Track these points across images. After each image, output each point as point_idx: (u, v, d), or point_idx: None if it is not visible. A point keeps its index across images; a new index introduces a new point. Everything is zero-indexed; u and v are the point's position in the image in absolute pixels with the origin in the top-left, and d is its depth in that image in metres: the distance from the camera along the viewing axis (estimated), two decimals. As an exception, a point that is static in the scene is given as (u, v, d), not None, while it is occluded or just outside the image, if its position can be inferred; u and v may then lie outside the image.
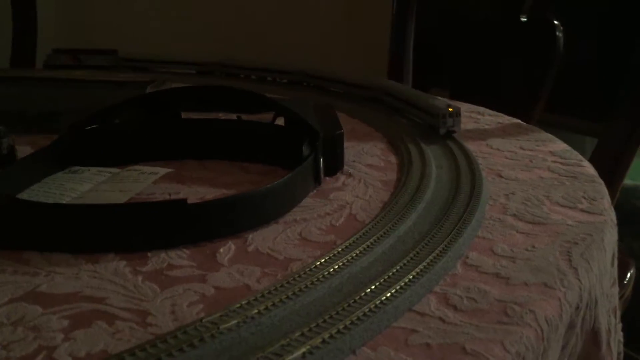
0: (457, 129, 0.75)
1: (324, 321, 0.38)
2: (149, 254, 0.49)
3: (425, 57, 1.25)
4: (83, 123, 0.71)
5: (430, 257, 0.46)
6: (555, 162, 0.72)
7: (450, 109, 0.74)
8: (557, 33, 1.05)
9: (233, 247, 0.51)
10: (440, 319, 0.40)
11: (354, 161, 0.73)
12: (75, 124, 0.70)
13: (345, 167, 0.70)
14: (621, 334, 0.58)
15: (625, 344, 0.59)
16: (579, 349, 0.45)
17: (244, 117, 0.74)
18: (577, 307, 0.43)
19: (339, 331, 0.37)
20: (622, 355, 0.54)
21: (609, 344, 0.48)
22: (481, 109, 0.96)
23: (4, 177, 0.61)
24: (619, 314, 0.58)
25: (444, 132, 0.74)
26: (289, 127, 0.71)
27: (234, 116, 0.75)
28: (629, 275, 0.95)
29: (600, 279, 0.48)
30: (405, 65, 1.21)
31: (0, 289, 0.44)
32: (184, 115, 0.76)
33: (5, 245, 0.50)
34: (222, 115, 0.75)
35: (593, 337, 0.46)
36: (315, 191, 0.63)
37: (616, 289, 0.57)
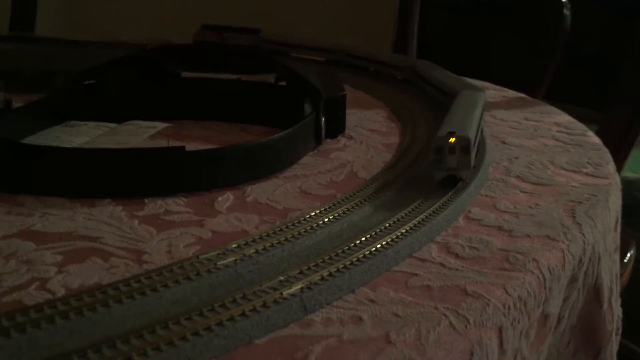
0: (463, 173, 0.48)
1: (323, 261, 0.37)
2: (145, 200, 0.48)
3: (430, 36, 1.24)
4: (80, 78, 0.70)
5: (432, 209, 0.45)
6: (560, 131, 0.71)
7: (451, 140, 0.46)
8: (565, 11, 1.04)
9: (231, 197, 0.50)
10: (441, 264, 0.39)
11: (355, 126, 0.72)
12: (72, 78, 0.69)
13: (347, 131, 0.69)
14: (620, 309, 0.57)
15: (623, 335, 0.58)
16: (581, 303, 0.45)
17: (245, 78, 0.73)
18: (580, 261, 0.43)
19: (338, 270, 0.36)
20: (621, 320, 0.53)
21: (610, 302, 0.48)
22: (485, 83, 0.95)
23: None
24: (619, 283, 0.57)
25: (442, 175, 0.48)
26: (291, 89, 0.70)
27: (234, 77, 0.74)
28: (629, 255, 0.95)
29: (604, 237, 0.47)
30: (409, 42, 1.20)
31: (-8, 227, 0.43)
32: (184, 75, 0.75)
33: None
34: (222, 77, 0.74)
35: (595, 293, 0.45)
36: (315, 151, 0.62)
37: (618, 256, 0.56)
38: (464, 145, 0.46)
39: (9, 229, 0.43)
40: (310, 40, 1.06)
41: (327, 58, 1.03)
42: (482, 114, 0.59)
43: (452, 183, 0.48)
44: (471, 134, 0.47)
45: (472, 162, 0.49)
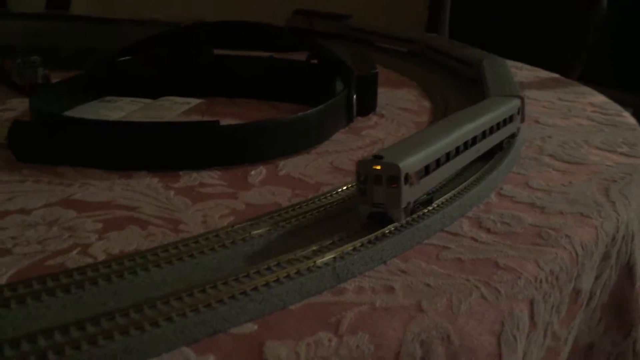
0: (393, 213, 0.36)
1: (355, 232, 0.37)
2: (180, 173, 0.49)
3: (462, 17, 1.22)
4: (116, 55, 0.71)
5: (464, 185, 0.45)
6: (594, 112, 0.70)
7: (376, 168, 0.36)
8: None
9: (264, 170, 0.51)
10: (473, 238, 0.39)
11: (386, 104, 0.72)
12: (108, 55, 0.71)
13: (378, 109, 0.69)
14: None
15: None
16: (613, 281, 0.44)
17: (277, 55, 0.74)
18: (614, 238, 0.42)
19: (369, 241, 0.36)
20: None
21: (643, 282, 0.47)
22: (519, 64, 0.94)
23: (38, 100, 0.61)
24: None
25: (366, 211, 0.37)
26: (322, 66, 0.70)
27: (266, 55, 0.74)
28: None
29: (639, 215, 0.47)
30: (441, 27, 1.19)
31: (35, 196, 0.45)
32: (216, 52, 0.76)
33: (40, 159, 0.51)
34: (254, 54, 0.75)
35: (628, 271, 0.45)
36: (347, 128, 0.63)
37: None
38: (392, 176, 0.35)
39: (51, 198, 0.44)
40: (395, 31, 1.01)
41: (409, 49, 0.97)
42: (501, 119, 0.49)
43: (382, 221, 0.37)
44: (410, 161, 0.36)
45: (412, 199, 0.37)
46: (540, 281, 0.35)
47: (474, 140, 0.45)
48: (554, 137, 0.60)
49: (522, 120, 0.55)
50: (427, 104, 0.73)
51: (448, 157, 0.41)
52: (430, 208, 0.41)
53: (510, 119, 0.52)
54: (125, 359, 0.27)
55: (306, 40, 0.71)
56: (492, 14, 1.21)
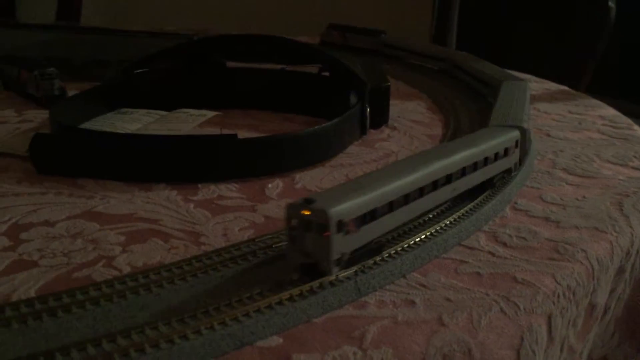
0: (323, 266, 0.33)
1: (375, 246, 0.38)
2: (199, 186, 0.50)
3: (471, 26, 1.23)
4: (132, 67, 0.72)
5: (479, 200, 0.46)
6: (605, 125, 0.70)
7: (305, 213, 0.32)
8: (610, 3, 1.02)
9: (281, 184, 0.51)
10: (490, 252, 0.40)
11: (398, 117, 0.72)
12: (124, 67, 0.72)
13: (390, 122, 0.70)
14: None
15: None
16: (627, 295, 0.45)
17: (289, 68, 0.74)
18: (628, 253, 0.43)
19: (390, 255, 0.37)
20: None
21: (656, 295, 0.48)
22: (527, 75, 0.94)
23: (56, 112, 0.62)
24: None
25: (296, 260, 0.33)
26: (334, 79, 0.71)
27: (279, 67, 0.75)
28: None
29: (652, 230, 0.47)
30: (449, 35, 1.20)
31: (57, 208, 0.45)
32: (229, 65, 0.77)
33: (60, 172, 0.51)
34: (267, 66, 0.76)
35: (642, 285, 0.45)
36: (360, 140, 0.63)
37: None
38: (320, 225, 0.31)
39: (73, 210, 0.45)
40: (427, 48, 0.98)
41: (439, 67, 0.93)
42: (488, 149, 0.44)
43: (312, 274, 0.33)
44: (346, 207, 0.32)
45: (348, 249, 0.33)
46: (558, 296, 0.36)
47: (449, 179, 0.41)
48: (566, 150, 0.61)
49: (526, 152, 0.52)
50: (438, 116, 0.74)
51: (407, 199, 0.37)
52: (447, 222, 0.41)
53: (505, 152, 0.47)
54: (156, 371, 0.27)
55: (318, 53, 0.72)
56: (501, 24, 1.22)
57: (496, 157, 0.46)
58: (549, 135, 0.66)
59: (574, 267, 0.38)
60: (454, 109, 0.75)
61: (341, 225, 0.32)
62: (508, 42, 1.21)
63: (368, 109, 0.64)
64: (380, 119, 0.68)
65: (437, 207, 0.43)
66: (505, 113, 0.56)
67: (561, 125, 0.70)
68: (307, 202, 0.32)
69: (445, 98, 0.80)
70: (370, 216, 0.34)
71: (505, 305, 0.34)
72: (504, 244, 0.41)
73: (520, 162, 0.51)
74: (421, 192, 0.38)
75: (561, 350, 0.38)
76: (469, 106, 0.75)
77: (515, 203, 0.48)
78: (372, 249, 0.36)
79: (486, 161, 0.45)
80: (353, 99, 0.65)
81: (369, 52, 1.03)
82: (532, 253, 0.40)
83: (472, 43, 1.10)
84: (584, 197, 0.49)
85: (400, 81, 0.91)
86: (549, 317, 0.35)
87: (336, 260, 0.33)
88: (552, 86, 0.90)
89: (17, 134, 0.63)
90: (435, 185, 0.40)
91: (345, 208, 0.32)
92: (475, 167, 0.44)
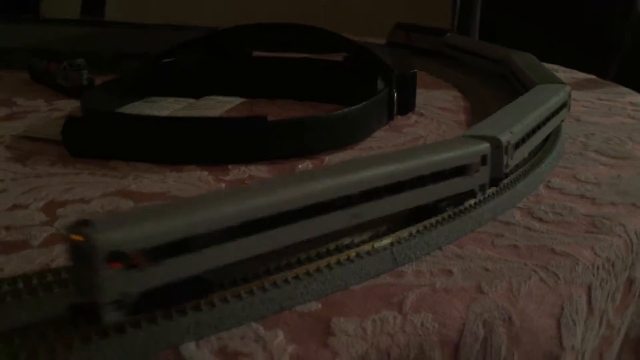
0: (103, 310, 0.24)
1: (408, 220, 0.38)
2: (229, 167, 0.50)
3: (494, 17, 1.22)
4: (159, 56, 0.73)
5: (512, 177, 0.45)
6: (635, 110, 0.69)
7: (76, 238, 0.24)
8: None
9: (310, 165, 0.51)
10: (526, 227, 0.39)
11: (425, 104, 0.72)
12: (151, 57, 0.72)
13: (417, 109, 0.70)
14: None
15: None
16: (666, 272, 0.44)
17: (315, 56, 0.75)
18: (667, 229, 0.42)
19: (425, 227, 0.37)
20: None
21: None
22: (555, 66, 0.93)
23: (86, 98, 0.63)
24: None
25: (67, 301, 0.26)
26: (360, 67, 0.71)
27: (304, 56, 0.75)
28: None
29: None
30: (472, 25, 1.19)
31: (91, 187, 0.46)
32: (255, 54, 0.77)
33: (92, 154, 0.52)
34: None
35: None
36: (387, 126, 0.63)
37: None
38: (87, 255, 0.24)
39: (107, 189, 0.46)
40: (489, 51, 0.86)
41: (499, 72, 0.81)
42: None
43: (86, 315, 0.25)
44: (136, 234, 0.24)
45: (136, 289, 0.25)
46: (598, 268, 0.35)
47: (345, 202, 0.31)
48: (597, 134, 0.60)
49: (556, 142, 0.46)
50: (465, 104, 0.74)
51: (253, 228, 0.27)
52: (481, 197, 0.41)
53: (460, 170, 0.37)
54: (197, 331, 0.27)
55: (343, 41, 0.72)
56: (524, 16, 1.21)
57: (439, 176, 0.36)
58: (578, 120, 0.65)
59: (613, 240, 0.38)
60: (481, 97, 0.74)
61: (119, 257, 0.24)
62: (532, 36, 1.20)
63: (395, 95, 0.64)
64: (407, 105, 0.68)
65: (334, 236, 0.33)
66: (495, 121, 0.45)
67: (591, 111, 0.69)
68: (82, 224, 0.24)
69: (472, 87, 0.79)
70: (182, 247, 0.26)
71: (545, 275, 0.34)
72: (540, 219, 0.41)
73: (494, 182, 0.40)
74: (281, 218, 0.29)
75: (600, 324, 0.37)
76: (494, 94, 0.74)
77: (549, 182, 0.47)
78: (196, 286, 0.27)
79: (418, 182, 0.35)
80: (380, 85, 0.64)
81: (430, 53, 0.94)
82: (569, 227, 0.39)
83: (494, 35, 1.09)
84: (619, 175, 0.48)
85: (424, 72, 0.90)
86: (589, 288, 0.35)
87: (116, 302, 0.24)
88: (580, 75, 0.89)
89: (48, 121, 0.64)
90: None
91: (132, 235, 0.24)
92: (394, 189, 0.34)
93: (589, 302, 0.34)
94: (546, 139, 0.50)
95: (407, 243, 0.35)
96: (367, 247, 0.34)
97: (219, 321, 0.28)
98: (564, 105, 0.51)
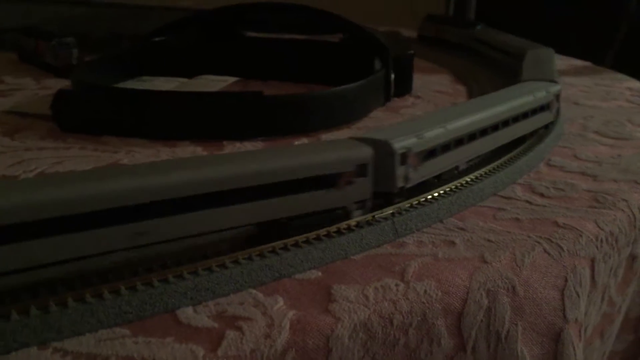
0: None
1: (408, 192, 0.37)
2: (224, 143, 0.49)
3: (489, 4, 1.21)
4: (150, 35, 0.71)
5: (513, 154, 0.45)
6: (633, 95, 0.69)
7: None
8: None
9: (307, 142, 0.50)
10: (528, 201, 0.39)
11: (421, 87, 0.71)
12: (142, 36, 0.71)
13: (413, 92, 0.69)
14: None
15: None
16: (667, 251, 0.44)
17: (311, 38, 0.73)
18: (669, 206, 0.42)
19: (426, 200, 0.36)
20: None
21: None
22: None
23: (77, 74, 0.62)
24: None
25: None
26: (357, 48, 0.70)
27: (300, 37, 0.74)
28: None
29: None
30: (467, 13, 1.18)
31: (83, 160, 0.45)
32: (250, 35, 0.76)
33: (83, 129, 0.51)
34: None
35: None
36: (384, 107, 0.62)
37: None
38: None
39: (99, 162, 0.44)
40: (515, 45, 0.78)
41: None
42: None
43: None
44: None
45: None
46: (601, 241, 0.35)
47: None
48: (596, 116, 0.60)
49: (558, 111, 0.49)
50: (461, 87, 0.73)
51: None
52: (482, 172, 0.40)
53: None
54: (195, 296, 0.26)
55: (341, 22, 0.71)
56: (521, 5, 1.20)
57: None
58: (577, 104, 0.65)
59: (616, 214, 0.37)
60: (477, 81, 0.73)
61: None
62: (529, 23, 1.19)
63: (392, 75, 0.63)
64: (403, 87, 0.67)
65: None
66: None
67: (589, 95, 0.69)
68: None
69: (468, 71, 0.79)
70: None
71: (549, 247, 0.33)
72: (541, 195, 0.40)
73: (387, 199, 0.35)
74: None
75: (602, 299, 0.37)
76: (490, 78, 0.74)
77: (549, 160, 0.47)
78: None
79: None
80: (377, 65, 0.63)
81: (458, 46, 0.90)
82: (571, 202, 0.39)
83: (490, 23, 1.08)
84: (619, 155, 0.48)
85: (420, 58, 0.89)
86: (592, 261, 0.34)
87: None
88: (577, 62, 0.89)
89: (37, 98, 0.63)
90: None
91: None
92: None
93: (592, 275, 0.34)
94: (520, 142, 0.46)
95: (408, 214, 0.34)
96: (367, 217, 0.33)
97: (216, 286, 0.27)
98: (544, 107, 0.47)
